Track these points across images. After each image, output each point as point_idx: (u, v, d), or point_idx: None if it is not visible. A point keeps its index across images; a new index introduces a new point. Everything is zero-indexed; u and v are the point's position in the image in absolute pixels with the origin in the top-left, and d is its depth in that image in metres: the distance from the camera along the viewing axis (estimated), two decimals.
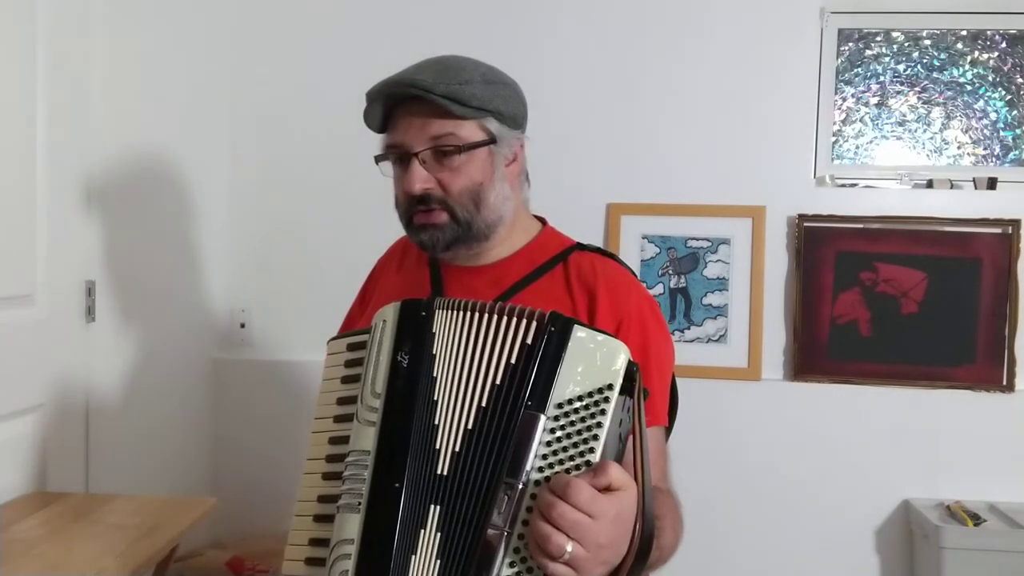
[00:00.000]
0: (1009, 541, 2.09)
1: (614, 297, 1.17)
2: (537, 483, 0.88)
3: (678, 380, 1.24)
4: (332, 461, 1.01)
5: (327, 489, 1.00)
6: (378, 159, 1.21)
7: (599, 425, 0.88)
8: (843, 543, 2.36)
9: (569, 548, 0.83)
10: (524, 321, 0.94)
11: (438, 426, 0.94)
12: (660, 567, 1.05)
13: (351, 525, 0.94)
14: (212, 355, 2.50)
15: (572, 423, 0.89)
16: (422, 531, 0.92)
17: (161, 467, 2.22)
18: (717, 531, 2.34)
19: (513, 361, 0.93)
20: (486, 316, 0.96)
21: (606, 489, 0.85)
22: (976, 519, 2.17)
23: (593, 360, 0.91)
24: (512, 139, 1.20)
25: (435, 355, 0.97)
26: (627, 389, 0.91)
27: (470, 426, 0.93)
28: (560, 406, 0.90)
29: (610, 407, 0.89)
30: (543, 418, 0.89)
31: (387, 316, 1.01)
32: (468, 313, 0.97)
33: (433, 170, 1.15)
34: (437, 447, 0.94)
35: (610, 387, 0.89)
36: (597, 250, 1.25)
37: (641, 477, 0.89)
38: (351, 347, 1.05)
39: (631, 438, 0.93)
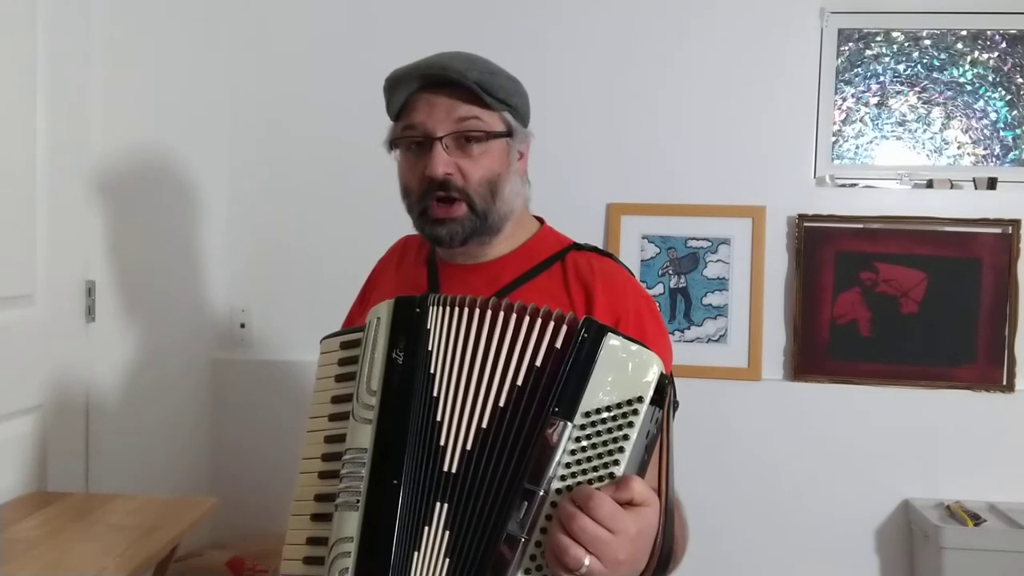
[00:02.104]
0: (1009, 541, 2.09)
1: (611, 296, 1.16)
2: (558, 491, 0.86)
3: (678, 380, 1.23)
4: (328, 460, 1.00)
5: (324, 488, 0.99)
6: (393, 144, 1.20)
7: (626, 437, 0.86)
8: (843, 543, 2.36)
9: (587, 562, 0.81)
10: (552, 323, 0.92)
11: (441, 423, 0.93)
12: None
13: (350, 523, 0.93)
14: (212, 355, 2.50)
15: (599, 433, 0.87)
16: (426, 528, 0.91)
17: (161, 467, 2.22)
18: (717, 531, 2.34)
19: (538, 364, 0.91)
20: (503, 314, 0.95)
21: (628, 504, 0.84)
22: (976, 519, 2.17)
23: (625, 370, 0.89)
24: (524, 135, 1.22)
25: (431, 351, 0.96)
26: (656, 402, 0.88)
27: (484, 425, 0.92)
28: (588, 415, 0.88)
29: (639, 419, 0.86)
30: (569, 426, 0.88)
31: (381, 313, 1.00)
32: (468, 310, 0.97)
33: (454, 156, 1.15)
34: (442, 444, 0.93)
35: (640, 399, 0.87)
36: (594, 249, 1.25)
37: (665, 493, 0.88)
38: (344, 345, 1.04)
39: (658, 451, 0.91)
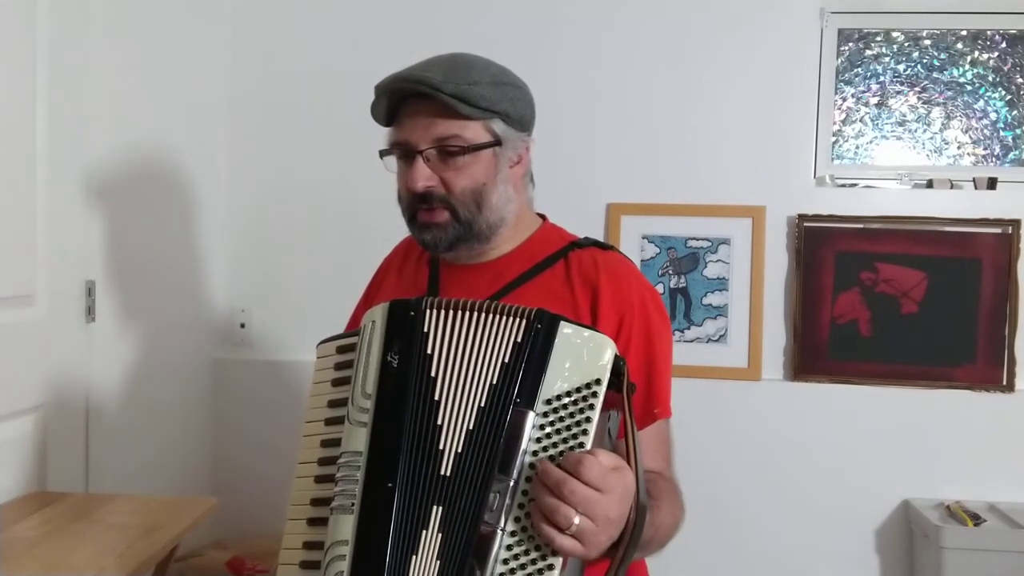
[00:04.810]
0: (1009, 541, 2.09)
1: (616, 290, 1.17)
2: (528, 479, 0.89)
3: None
4: (324, 464, 1.01)
5: (319, 492, 1.00)
6: (383, 154, 1.20)
7: (588, 420, 0.90)
8: (843, 543, 2.36)
9: (576, 520, 0.84)
10: (516, 320, 0.95)
11: (441, 426, 0.94)
12: (657, 548, 1.06)
13: (345, 526, 0.94)
14: (212, 355, 2.50)
15: (561, 419, 0.90)
16: (424, 532, 0.91)
17: (161, 467, 2.22)
18: (717, 531, 2.34)
19: (506, 360, 0.94)
20: (481, 315, 0.96)
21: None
22: (976, 519, 2.17)
23: (580, 356, 0.92)
24: (518, 141, 1.20)
25: (431, 355, 0.96)
26: (614, 383, 0.92)
27: (471, 427, 0.93)
28: (549, 402, 0.91)
29: (598, 401, 0.90)
30: (532, 415, 0.91)
31: (376, 317, 1.01)
32: (461, 312, 0.97)
33: (437, 168, 1.15)
34: (440, 447, 0.93)
35: (598, 382, 0.91)
36: (596, 243, 1.25)
37: (636, 467, 0.90)
38: (340, 350, 1.05)
39: (623, 436, 0.94)
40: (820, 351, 2.38)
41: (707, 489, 2.32)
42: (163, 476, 2.22)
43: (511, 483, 0.89)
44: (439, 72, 1.12)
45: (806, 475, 2.37)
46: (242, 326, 2.52)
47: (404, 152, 1.17)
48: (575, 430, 0.89)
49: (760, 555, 2.38)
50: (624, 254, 1.26)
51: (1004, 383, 2.32)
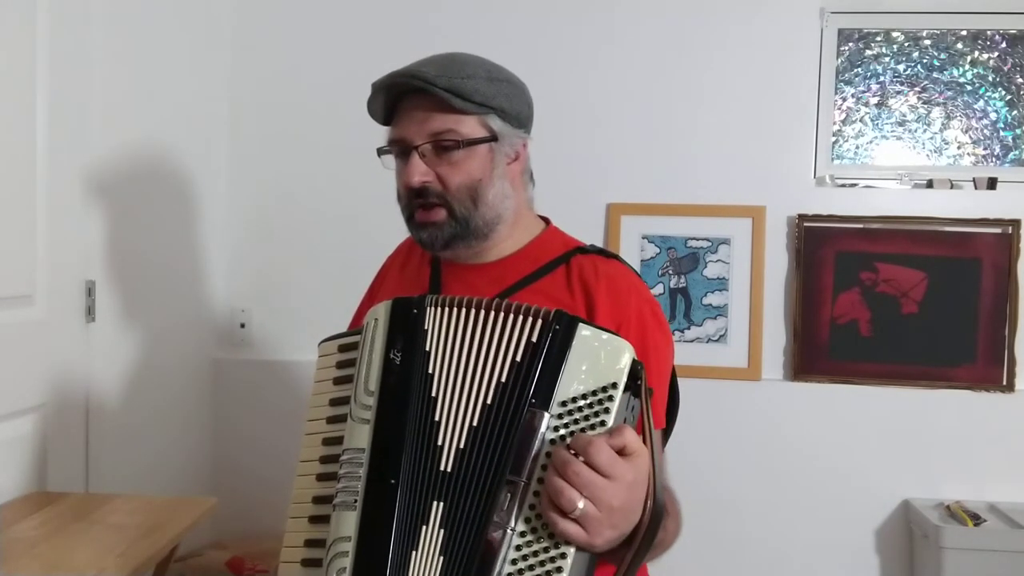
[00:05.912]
0: (1009, 541, 2.09)
1: (614, 301, 1.16)
2: (540, 480, 0.88)
3: (679, 380, 1.23)
4: (326, 462, 1.01)
5: (321, 490, 1.00)
6: (380, 152, 1.21)
7: (603, 423, 0.89)
8: (843, 543, 2.36)
9: (580, 505, 0.83)
10: (530, 319, 0.94)
11: (439, 423, 0.94)
12: (661, 554, 1.05)
13: (348, 523, 0.94)
14: (212, 355, 2.50)
15: (576, 421, 0.89)
16: (424, 527, 0.91)
17: (161, 467, 2.22)
18: (716, 531, 2.34)
19: (519, 359, 0.93)
20: (491, 313, 0.96)
21: (621, 451, 0.86)
22: (976, 519, 2.17)
23: (598, 358, 0.91)
24: (514, 138, 1.20)
25: (429, 352, 0.97)
26: (631, 387, 0.91)
27: (475, 423, 0.93)
28: (564, 404, 0.90)
29: (614, 405, 0.89)
30: (547, 416, 0.90)
31: (379, 314, 1.01)
32: (464, 310, 0.97)
33: (432, 164, 1.16)
34: (439, 444, 0.93)
35: (614, 385, 0.90)
36: (600, 251, 1.24)
37: (653, 468, 0.89)
38: (342, 348, 1.05)
39: (640, 433, 0.93)
40: (820, 351, 2.38)
41: (707, 489, 2.33)
42: (163, 476, 2.22)
43: (522, 484, 0.88)
44: (433, 68, 1.13)
45: (806, 475, 2.37)
46: (242, 326, 2.52)
47: (401, 149, 1.17)
48: (590, 433, 0.88)
49: (760, 555, 2.38)
50: (627, 263, 1.25)
51: (1004, 383, 2.32)
